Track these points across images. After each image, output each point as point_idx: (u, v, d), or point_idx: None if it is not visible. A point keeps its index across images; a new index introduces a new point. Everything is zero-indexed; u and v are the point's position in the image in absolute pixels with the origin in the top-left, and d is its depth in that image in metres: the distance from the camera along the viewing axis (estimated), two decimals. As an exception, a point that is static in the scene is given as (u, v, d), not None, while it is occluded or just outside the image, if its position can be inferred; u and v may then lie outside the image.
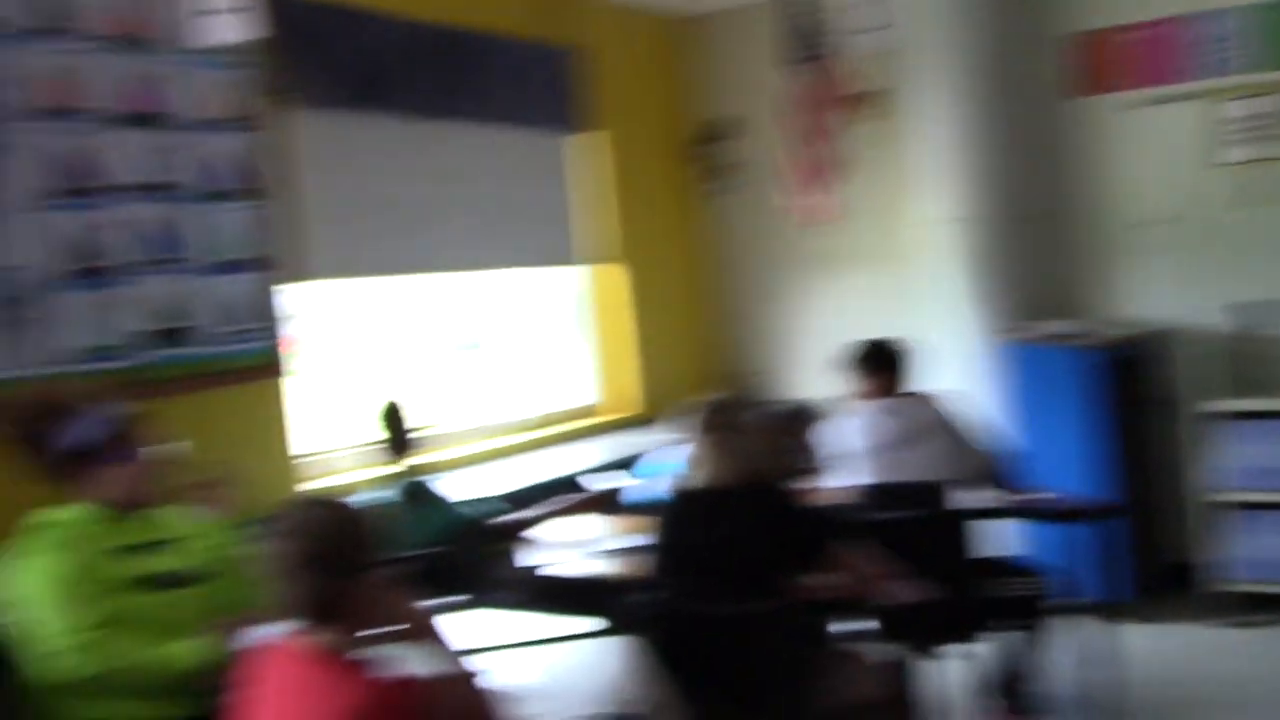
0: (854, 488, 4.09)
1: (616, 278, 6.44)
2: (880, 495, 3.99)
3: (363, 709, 2.09)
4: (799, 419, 4.93)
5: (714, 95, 6.88)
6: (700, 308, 6.94)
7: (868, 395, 4.26)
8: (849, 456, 4.22)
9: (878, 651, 3.39)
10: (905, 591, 3.12)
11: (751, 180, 6.76)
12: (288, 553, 2.19)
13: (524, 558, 3.87)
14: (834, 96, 6.19)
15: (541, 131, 6.01)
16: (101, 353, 3.96)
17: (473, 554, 3.97)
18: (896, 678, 3.29)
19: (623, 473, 4.99)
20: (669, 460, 4.29)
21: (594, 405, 6.42)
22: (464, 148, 5.54)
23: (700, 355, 6.85)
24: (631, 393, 6.46)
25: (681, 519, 3.14)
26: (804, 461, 4.83)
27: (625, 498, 4.51)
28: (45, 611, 2.79)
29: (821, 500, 3.97)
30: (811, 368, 6.33)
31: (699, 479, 3.11)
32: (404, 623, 2.27)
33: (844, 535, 3.09)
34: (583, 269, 6.36)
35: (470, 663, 2.30)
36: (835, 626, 3.39)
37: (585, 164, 6.27)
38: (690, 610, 2.94)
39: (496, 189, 5.74)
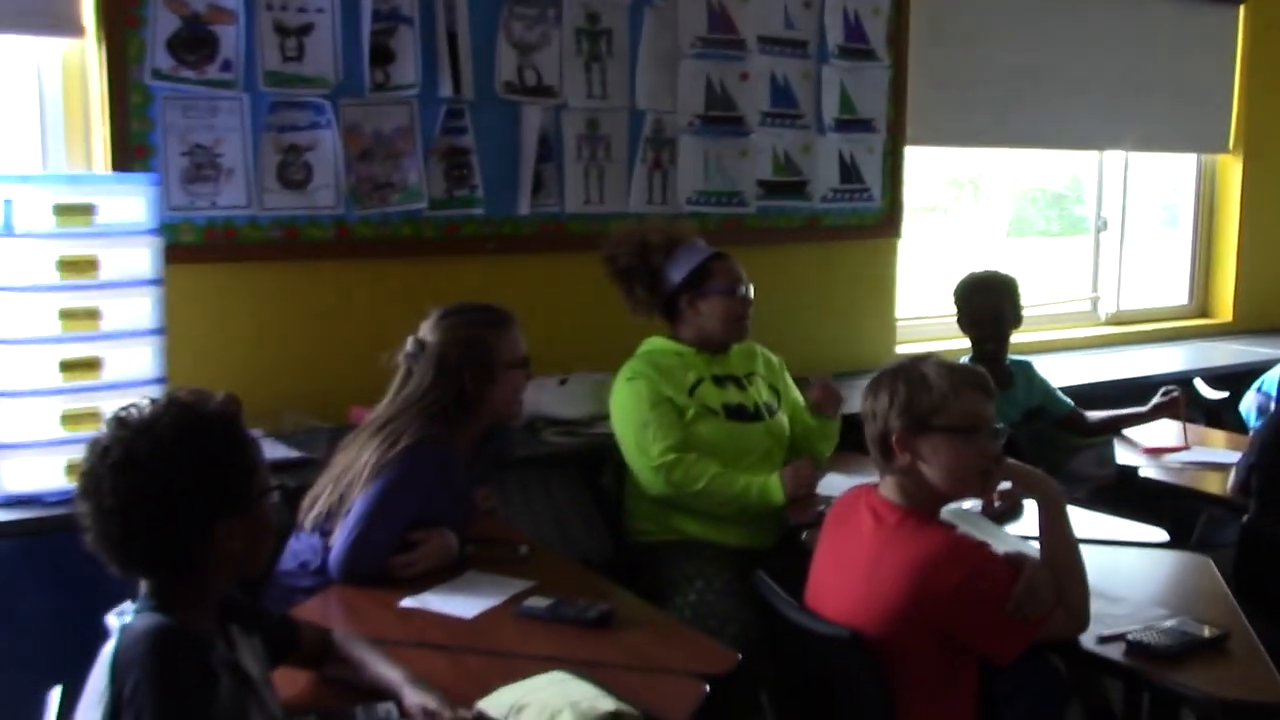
0: None
1: (1231, 170, 5.85)
2: None
3: (935, 560, 2.13)
4: None
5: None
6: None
7: None
8: None
9: None
10: None
11: None
12: (875, 410, 2.26)
13: (1114, 455, 3.73)
14: None
15: (1205, 1, 5.50)
16: (723, 197, 4.25)
17: (1052, 443, 3.89)
18: None
19: (1223, 386, 4.62)
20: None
21: (1189, 306, 5.96)
22: (1111, 15, 5.21)
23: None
24: (1224, 298, 5.91)
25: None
26: None
27: (1242, 411, 4.18)
28: (632, 431, 3.12)
29: None
30: None
31: None
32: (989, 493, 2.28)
33: None
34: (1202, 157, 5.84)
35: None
36: None
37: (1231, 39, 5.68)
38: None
39: (1146, 63, 5.35)
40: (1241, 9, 5.63)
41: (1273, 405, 3.80)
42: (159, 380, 2.94)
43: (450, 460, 2.61)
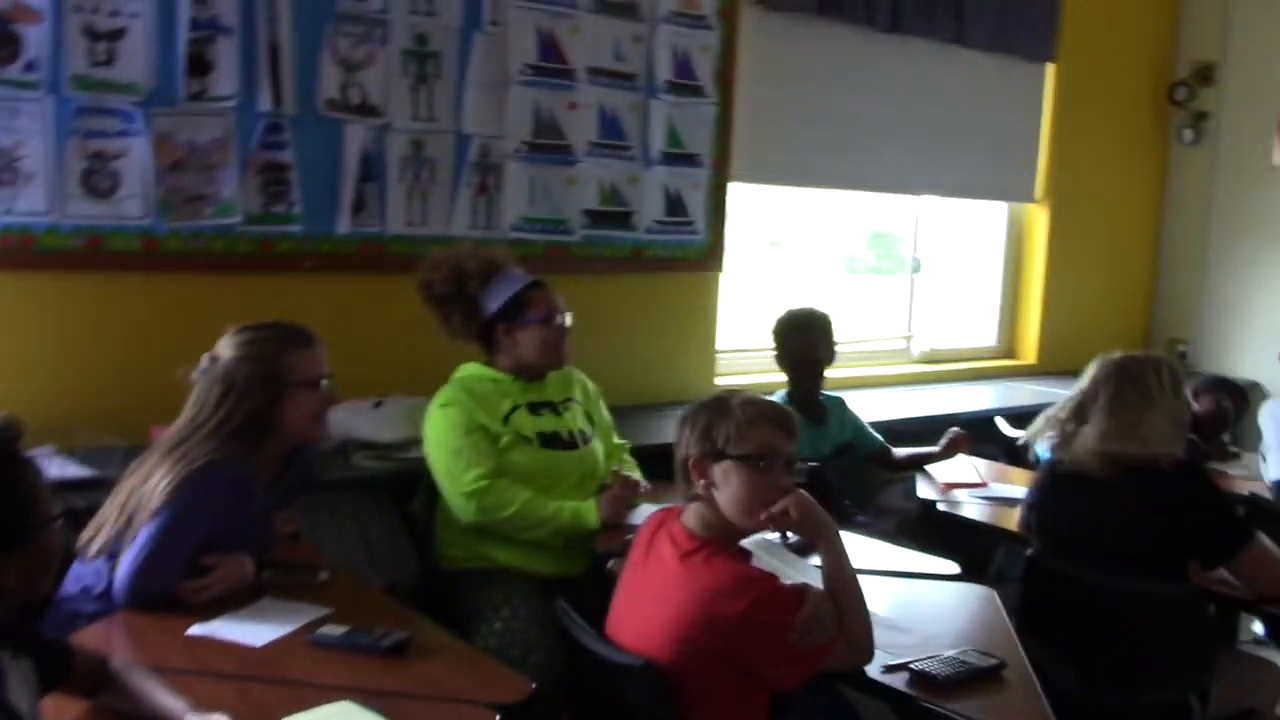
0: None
1: (1038, 219, 6.15)
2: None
3: (721, 589, 2.17)
4: (1226, 397, 4.60)
5: (1190, 38, 6.38)
6: (1129, 264, 6.52)
7: None
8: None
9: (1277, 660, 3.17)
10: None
11: (1223, 133, 6.24)
12: (680, 437, 2.31)
13: (916, 490, 3.87)
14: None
15: (1017, 58, 5.76)
16: (548, 225, 4.27)
17: (861, 477, 4.02)
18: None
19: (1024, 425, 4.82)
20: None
21: (991, 348, 6.24)
22: (931, 68, 5.42)
23: (1116, 316, 6.44)
24: (1029, 341, 6.20)
25: (1067, 486, 2.98)
26: (1218, 444, 4.53)
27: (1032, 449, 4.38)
28: (445, 457, 3.11)
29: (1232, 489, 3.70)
30: (1254, 349, 5.86)
31: (1090, 454, 2.89)
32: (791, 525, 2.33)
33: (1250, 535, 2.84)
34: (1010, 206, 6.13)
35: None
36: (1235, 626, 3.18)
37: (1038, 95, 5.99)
38: (1082, 578, 2.84)
39: (962, 114, 5.58)
40: (1050, 67, 5.93)
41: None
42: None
43: (244, 481, 2.54)
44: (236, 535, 2.51)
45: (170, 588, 2.40)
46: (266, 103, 3.58)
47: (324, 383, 2.63)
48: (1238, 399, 4.65)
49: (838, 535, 2.34)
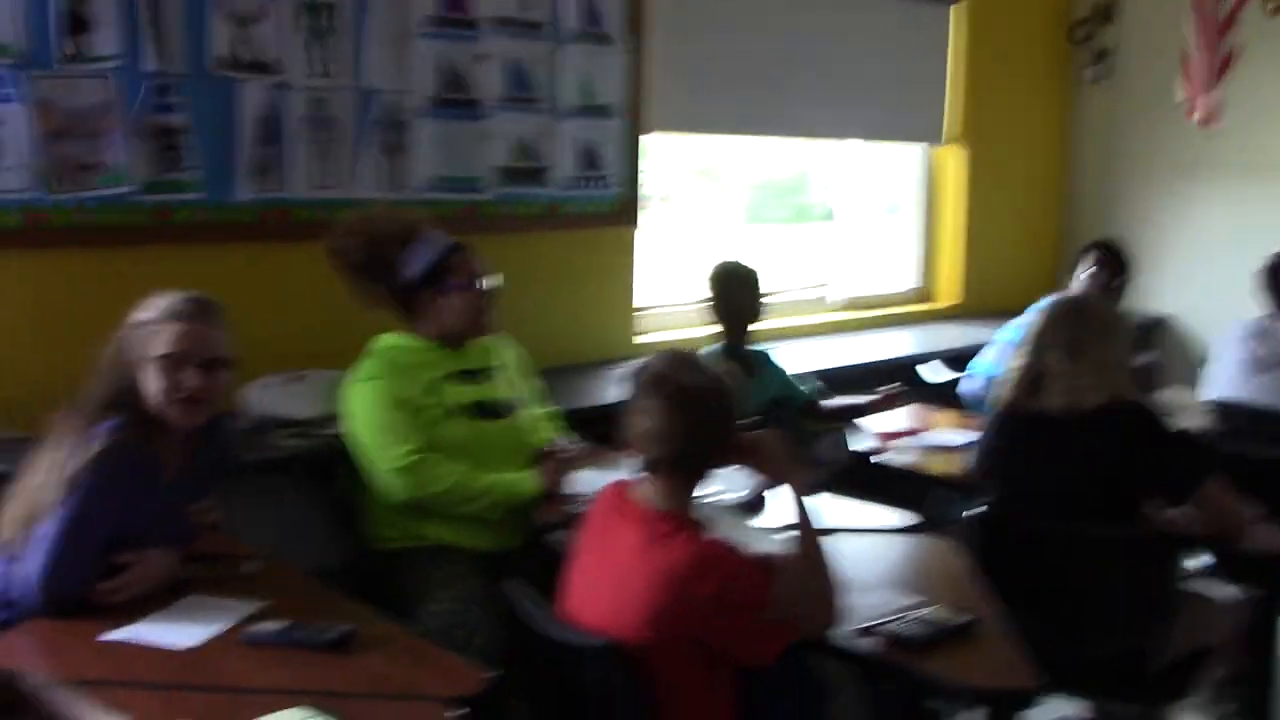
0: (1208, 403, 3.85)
1: (957, 160, 6.11)
2: (1230, 416, 3.74)
3: (688, 569, 2.08)
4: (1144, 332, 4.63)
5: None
6: (1042, 203, 6.53)
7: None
8: (1217, 373, 3.91)
9: (1230, 596, 3.16)
10: (1271, 538, 2.86)
11: (1126, 70, 6.26)
12: (650, 407, 2.17)
13: (850, 442, 3.80)
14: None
15: (923, 1, 5.69)
16: (460, 184, 4.08)
17: (796, 430, 3.93)
18: (1253, 626, 3.04)
19: (952, 367, 4.80)
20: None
21: (916, 291, 6.19)
22: (840, 12, 5.32)
23: (1032, 255, 6.43)
24: (953, 283, 6.18)
25: (1021, 430, 2.94)
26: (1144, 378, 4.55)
27: (963, 394, 4.35)
28: (370, 435, 2.94)
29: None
30: (1166, 282, 5.92)
31: (1052, 396, 2.86)
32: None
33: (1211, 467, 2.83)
34: (926, 148, 6.08)
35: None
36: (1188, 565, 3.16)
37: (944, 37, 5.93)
38: (1036, 527, 2.79)
39: (865, 56, 5.48)
40: (954, 9, 5.88)
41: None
42: None
43: (147, 465, 2.35)
44: (148, 525, 2.32)
45: (80, 587, 2.21)
46: (152, 62, 3.33)
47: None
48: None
49: (805, 486, 2.24)
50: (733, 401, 2.23)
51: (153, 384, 2.36)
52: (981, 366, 4.33)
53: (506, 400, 3.14)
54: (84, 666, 2.00)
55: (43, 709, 1.74)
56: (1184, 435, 2.86)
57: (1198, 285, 6.04)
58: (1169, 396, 4.46)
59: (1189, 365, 5.42)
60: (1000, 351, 4.31)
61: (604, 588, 2.17)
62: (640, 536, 2.15)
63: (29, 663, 1.97)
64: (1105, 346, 2.80)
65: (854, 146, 5.76)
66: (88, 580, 2.23)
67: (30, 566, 2.19)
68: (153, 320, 2.38)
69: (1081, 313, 2.89)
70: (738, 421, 2.25)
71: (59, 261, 3.26)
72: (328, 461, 3.18)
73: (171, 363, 2.36)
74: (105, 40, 3.24)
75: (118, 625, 2.15)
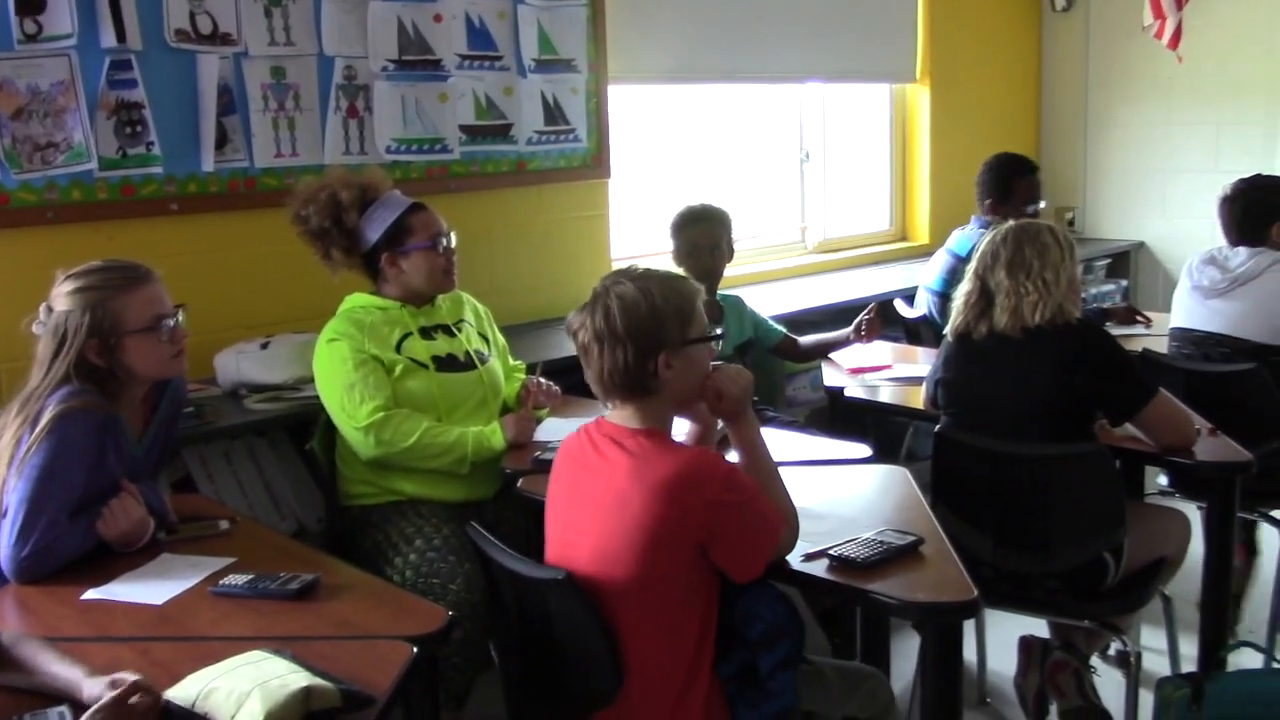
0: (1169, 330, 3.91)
1: (921, 99, 6.13)
2: (1187, 341, 3.80)
3: (688, 474, 2.10)
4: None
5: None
6: (1013, 136, 6.53)
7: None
8: (1177, 299, 3.95)
9: (1182, 508, 3.23)
10: (1221, 450, 2.92)
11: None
12: (598, 328, 2.18)
13: (822, 380, 3.86)
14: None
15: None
16: (425, 145, 4.12)
17: (771, 369, 3.99)
18: (1207, 537, 3.10)
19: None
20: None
21: (885, 232, 6.24)
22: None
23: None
24: (922, 222, 6.21)
25: (971, 355, 3.00)
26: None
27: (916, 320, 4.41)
28: (338, 394, 3.00)
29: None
30: (1138, 210, 5.96)
31: (998, 314, 2.92)
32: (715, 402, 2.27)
33: (1160, 383, 2.89)
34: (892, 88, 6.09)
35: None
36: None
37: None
38: (989, 447, 2.85)
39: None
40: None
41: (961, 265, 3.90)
42: None
43: (108, 425, 2.41)
44: (115, 484, 2.40)
45: (61, 549, 2.28)
46: (109, 38, 3.37)
47: (167, 321, 2.50)
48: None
49: (753, 413, 2.31)
50: (683, 300, 2.22)
51: (146, 350, 2.45)
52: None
53: (474, 352, 3.21)
54: (62, 625, 2.08)
55: (15, 661, 1.83)
56: (1125, 357, 2.91)
57: (1172, 212, 6.08)
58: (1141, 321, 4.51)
59: (1165, 292, 5.47)
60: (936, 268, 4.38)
61: (598, 523, 2.18)
62: (627, 460, 2.16)
63: (6, 621, 2.05)
64: (1046, 263, 2.86)
65: (826, 89, 5.78)
66: (66, 543, 2.30)
67: (4, 538, 2.26)
68: (110, 293, 2.44)
69: (1024, 231, 2.94)
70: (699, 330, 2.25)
71: (27, 240, 3.31)
72: (301, 424, 3.25)
73: (166, 324, 2.46)
74: (60, 18, 3.27)
75: (95, 586, 2.23)
